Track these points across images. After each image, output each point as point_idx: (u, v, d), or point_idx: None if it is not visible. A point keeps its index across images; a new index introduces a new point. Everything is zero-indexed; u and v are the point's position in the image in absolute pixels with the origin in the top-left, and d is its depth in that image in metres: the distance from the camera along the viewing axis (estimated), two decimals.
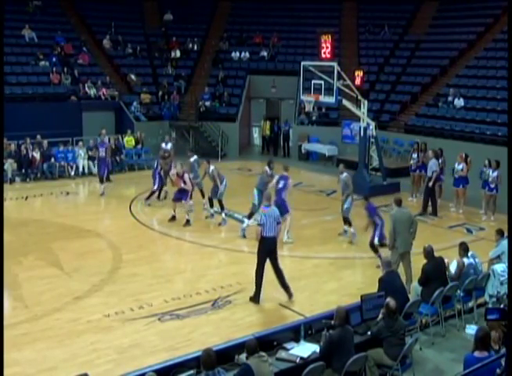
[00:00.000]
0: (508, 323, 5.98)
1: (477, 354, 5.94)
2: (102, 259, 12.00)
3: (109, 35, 26.09)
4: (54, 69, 22.71)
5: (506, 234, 9.55)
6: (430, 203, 15.41)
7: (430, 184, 15.22)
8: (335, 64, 17.10)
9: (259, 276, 9.71)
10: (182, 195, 14.08)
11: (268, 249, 9.72)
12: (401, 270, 9.82)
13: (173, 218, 14.27)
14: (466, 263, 9.18)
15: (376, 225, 11.35)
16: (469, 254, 9.45)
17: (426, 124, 21.43)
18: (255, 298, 9.73)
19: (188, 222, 14.02)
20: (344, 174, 13.20)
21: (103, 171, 16.83)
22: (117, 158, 20.19)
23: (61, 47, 24.06)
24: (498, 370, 5.55)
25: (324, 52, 17.76)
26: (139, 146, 21.38)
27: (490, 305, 8.67)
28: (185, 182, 14.00)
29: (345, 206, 13.08)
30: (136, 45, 26.29)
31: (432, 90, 23.29)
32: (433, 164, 15.34)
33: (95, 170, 19.77)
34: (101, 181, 16.86)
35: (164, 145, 17.28)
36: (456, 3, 25.82)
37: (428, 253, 8.96)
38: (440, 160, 15.83)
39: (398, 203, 10.34)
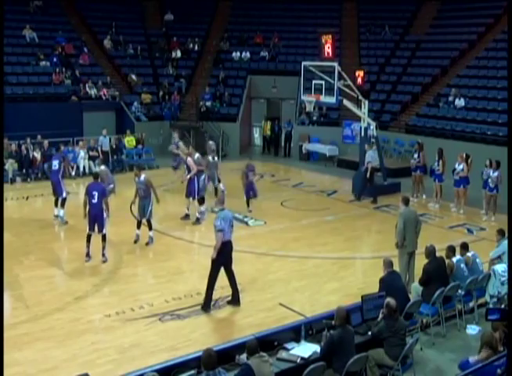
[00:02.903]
0: (508, 324, 5.98)
1: (471, 359, 5.96)
2: None
3: (110, 35, 26.10)
4: (57, 69, 22.74)
5: (506, 234, 9.55)
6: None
7: (368, 175, 16.75)
8: (336, 64, 17.10)
9: (212, 282, 9.30)
10: (190, 190, 14.04)
11: (227, 254, 9.35)
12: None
13: (186, 216, 14.24)
14: (455, 261, 9.21)
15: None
16: (470, 253, 9.48)
17: (427, 124, 21.43)
18: (206, 306, 9.32)
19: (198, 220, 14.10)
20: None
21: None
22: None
23: (62, 47, 24.07)
24: (499, 371, 5.55)
25: (325, 52, 17.74)
26: (140, 146, 21.40)
27: (491, 306, 8.66)
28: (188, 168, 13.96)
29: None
30: (137, 45, 26.29)
31: (433, 90, 23.29)
32: (368, 156, 16.87)
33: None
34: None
35: None
36: (456, 3, 25.80)
37: (430, 253, 8.98)
38: (440, 161, 15.93)
39: (406, 202, 10.42)
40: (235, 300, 9.59)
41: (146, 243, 12.52)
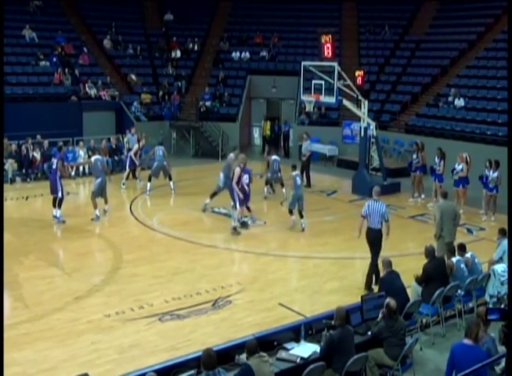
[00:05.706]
0: (508, 323, 5.99)
1: (466, 341, 6.06)
2: (103, 259, 12.05)
3: (110, 35, 26.10)
4: (57, 69, 22.75)
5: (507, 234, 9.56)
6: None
7: (304, 158, 18.65)
8: (335, 64, 17.08)
9: (372, 265, 10.13)
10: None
11: (369, 240, 10.14)
12: (402, 269, 9.83)
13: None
14: (455, 261, 9.23)
15: None
16: (468, 254, 9.48)
17: (426, 124, 21.44)
18: (368, 287, 10.07)
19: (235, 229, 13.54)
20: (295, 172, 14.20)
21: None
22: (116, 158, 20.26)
23: (61, 47, 24.07)
24: (498, 370, 5.55)
25: (324, 52, 17.73)
26: None
27: (490, 306, 8.67)
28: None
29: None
30: (137, 45, 26.30)
31: (432, 90, 23.30)
32: (307, 146, 18.90)
33: None
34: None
35: None
36: (456, 3, 25.82)
37: (429, 252, 9.00)
38: (442, 161, 15.90)
39: (445, 195, 11.11)
40: (367, 285, 10.14)
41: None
